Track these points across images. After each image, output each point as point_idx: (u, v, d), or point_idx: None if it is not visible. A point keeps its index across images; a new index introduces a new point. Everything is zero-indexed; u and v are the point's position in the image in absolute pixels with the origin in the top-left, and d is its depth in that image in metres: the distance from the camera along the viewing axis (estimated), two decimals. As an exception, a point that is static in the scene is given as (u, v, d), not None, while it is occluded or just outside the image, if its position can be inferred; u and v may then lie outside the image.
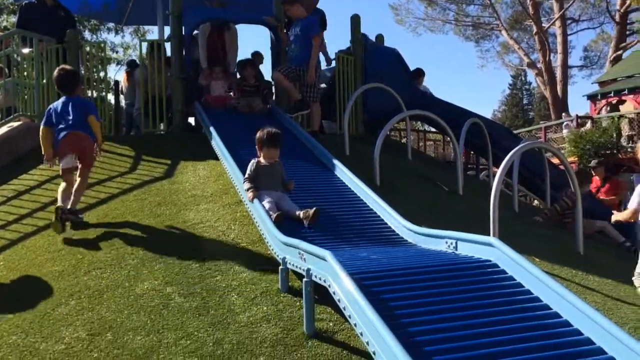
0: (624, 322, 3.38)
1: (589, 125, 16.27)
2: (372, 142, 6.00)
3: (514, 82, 49.93)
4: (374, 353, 2.21)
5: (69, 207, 4.37)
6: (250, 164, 4.26)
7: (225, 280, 3.48)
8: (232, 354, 2.74)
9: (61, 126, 4.57)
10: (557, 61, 24.85)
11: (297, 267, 3.12)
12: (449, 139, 7.33)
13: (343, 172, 4.90)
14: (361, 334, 2.35)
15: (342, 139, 6.62)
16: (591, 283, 4.02)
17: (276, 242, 3.47)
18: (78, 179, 4.55)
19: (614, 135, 16.00)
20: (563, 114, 20.16)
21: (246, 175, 4.22)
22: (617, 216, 4.92)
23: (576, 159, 15.85)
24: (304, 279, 2.90)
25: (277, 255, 3.43)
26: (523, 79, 48.90)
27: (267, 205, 3.95)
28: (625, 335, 2.21)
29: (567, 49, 25.28)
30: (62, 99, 4.72)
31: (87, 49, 7.89)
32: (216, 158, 5.48)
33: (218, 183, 5.15)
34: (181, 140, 6.67)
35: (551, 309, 2.53)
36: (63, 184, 4.62)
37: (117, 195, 5.10)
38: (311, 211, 3.91)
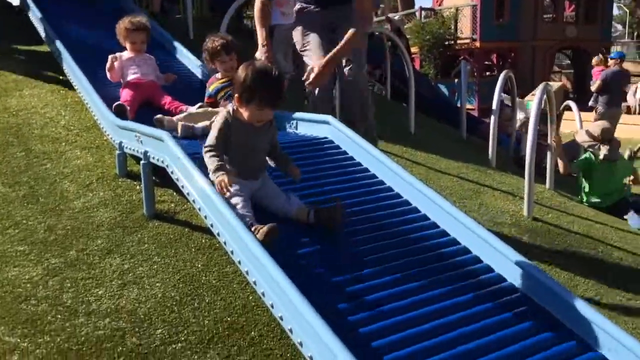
0: (442, 189, 3.82)
1: None
2: (217, 24, 5.75)
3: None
4: (212, 225, 2.27)
5: None
6: (220, 117, 2.34)
7: (56, 168, 3.27)
8: (67, 239, 2.65)
9: None
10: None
11: (134, 150, 3.01)
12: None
13: (186, 56, 4.71)
14: (200, 209, 2.38)
15: (186, 21, 6.29)
16: (418, 158, 4.44)
17: (111, 126, 3.29)
18: None
19: (452, 27, 17.05)
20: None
21: (209, 143, 2.29)
22: None
23: (417, 49, 16.68)
24: (142, 162, 2.83)
25: (113, 140, 3.27)
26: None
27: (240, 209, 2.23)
28: (442, 199, 2.50)
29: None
30: None
31: None
32: (41, 42, 4.90)
33: (43, 66, 4.65)
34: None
35: (377, 177, 2.77)
36: None
37: None
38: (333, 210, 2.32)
